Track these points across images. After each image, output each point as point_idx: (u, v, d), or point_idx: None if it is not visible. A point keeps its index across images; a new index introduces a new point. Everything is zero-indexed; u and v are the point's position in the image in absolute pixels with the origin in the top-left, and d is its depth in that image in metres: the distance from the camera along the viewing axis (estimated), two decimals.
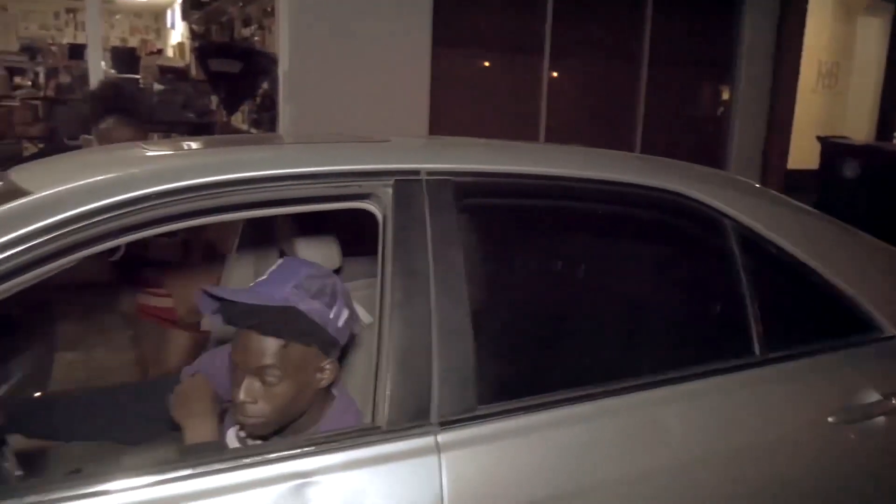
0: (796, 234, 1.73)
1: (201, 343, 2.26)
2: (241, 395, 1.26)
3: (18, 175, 1.41)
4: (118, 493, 1.09)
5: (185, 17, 11.21)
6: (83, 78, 9.50)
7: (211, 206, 1.22)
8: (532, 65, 6.94)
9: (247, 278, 2.15)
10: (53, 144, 6.81)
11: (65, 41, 14.10)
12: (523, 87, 6.90)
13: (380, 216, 1.36)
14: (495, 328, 1.42)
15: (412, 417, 1.26)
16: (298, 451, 1.20)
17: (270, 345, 1.25)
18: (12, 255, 1.10)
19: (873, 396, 1.62)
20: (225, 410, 1.45)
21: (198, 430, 1.34)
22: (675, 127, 7.52)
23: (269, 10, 7.51)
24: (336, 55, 5.99)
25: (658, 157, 1.99)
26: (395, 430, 1.25)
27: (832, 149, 7.99)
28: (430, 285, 1.31)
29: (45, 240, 1.12)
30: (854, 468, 1.62)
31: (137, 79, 6.87)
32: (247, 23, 8.06)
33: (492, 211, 1.51)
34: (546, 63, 6.94)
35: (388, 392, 1.26)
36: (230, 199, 1.24)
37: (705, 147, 7.70)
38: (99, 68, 5.33)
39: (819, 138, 8.16)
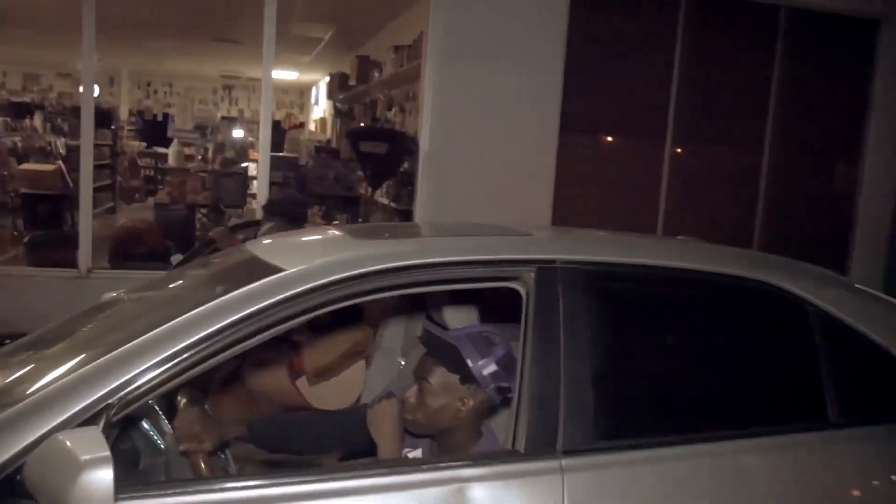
0: (879, 322, 2.07)
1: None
2: (408, 394, 1.78)
3: (261, 252, 1.98)
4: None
5: (329, 95, 12.30)
6: (244, 151, 10.61)
7: (407, 282, 1.73)
8: (654, 151, 7.30)
9: (397, 338, 2.69)
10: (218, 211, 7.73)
11: (219, 116, 15.62)
12: (644, 173, 7.26)
13: (524, 294, 1.82)
14: (612, 384, 1.83)
15: (543, 446, 1.68)
16: (460, 462, 1.65)
17: (432, 365, 1.77)
18: (274, 312, 1.62)
19: None
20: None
21: (388, 446, 1.83)
22: (797, 214, 7.63)
23: (411, 95, 8.29)
24: (471, 138, 6.56)
25: (755, 251, 2.36)
26: (531, 454, 1.67)
27: None
28: (560, 347, 1.75)
29: (295, 303, 1.64)
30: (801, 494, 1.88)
31: (296, 157, 7.73)
32: (390, 105, 8.88)
33: (611, 293, 1.93)
34: (668, 149, 7.29)
35: (525, 426, 1.69)
36: (419, 277, 1.74)
37: (828, 235, 7.74)
38: (268, 143, 6.08)
39: None
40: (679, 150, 7.31)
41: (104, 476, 1.24)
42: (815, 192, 8.04)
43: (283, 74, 12.55)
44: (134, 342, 1.52)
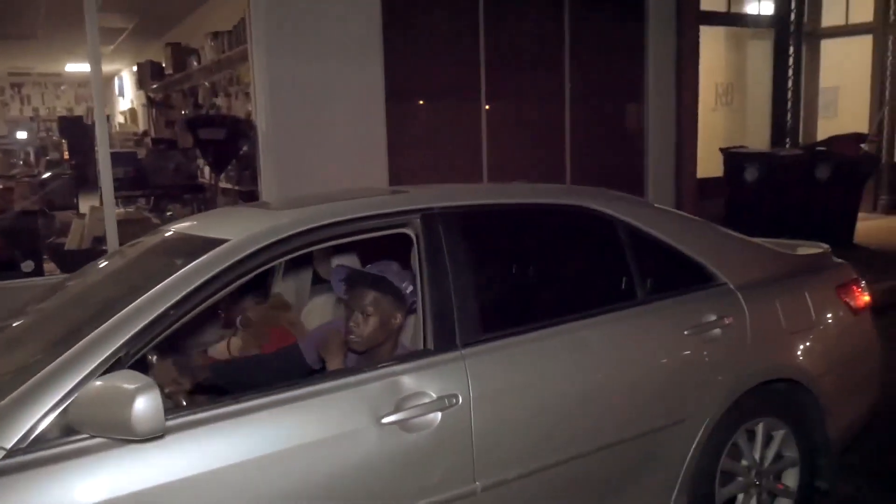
0: (665, 227, 2.83)
1: None
2: (352, 324, 2.32)
3: (195, 229, 2.41)
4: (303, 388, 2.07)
5: (140, 85, 12.08)
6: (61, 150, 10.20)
7: (330, 236, 2.25)
8: (471, 109, 8.05)
9: (290, 293, 3.20)
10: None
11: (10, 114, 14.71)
12: (466, 130, 7.99)
13: (413, 235, 2.39)
14: (488, 292, 2.45)
15: (446, 343, 2.27)
16: (391, 363, 2.21)
17: (371, 294, 2.33)
18: (235, 272, 2.08)
19: (711, 317, 2.71)
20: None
21: (337, 363, 2.36)
22: (599, 153, 8.70)
23: (235, 79, 8.48)
24: (304, 115, 6.93)
25: (572, 185, 3.07)
26: (439, 350, 2.26)
27: (733, 158, 9.29)
28: (448, 271, 2.34)
29: (243, 265, 2.11)
30: (700, 360, 2.69)
31: (134, 152, 7.76)
32: (215, 91, 9.00)
33: (477, 226, 2.54)
34: (483, 107, 8.06)
35: (431, 331, 2.27)
36: (337, 232, 2.27)
37: (626, 167, 8.90)
38: (106, 140, 5.99)
39: (721, 150, 9.45)
40: (493, 107, 8.11)
41: (154, 397, 1.68)
42: (611, 133, 9.16)
43: (82, 67, 12.09)
44: (131, 306, 1.94)
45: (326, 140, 7.07)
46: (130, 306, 1.96)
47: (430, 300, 2.30)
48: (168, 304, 1.96)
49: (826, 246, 3.46)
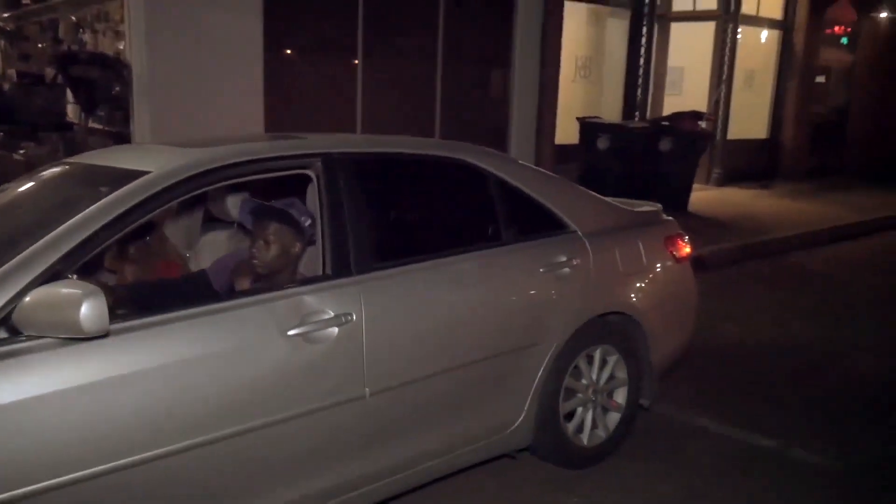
0: (528, 181, 3.30)
1: None
2: (255, 250, 2.65)
3: (109, 160, 2.63)
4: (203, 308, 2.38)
5: None
6: None
7: (238, 174, 2.55)
8: (348, 66, 8.30)
9: (181, 233, 3.46)
10: None
11: None
12: (341, 85, 8.24)
13: (314, 176, 2.72)
14: (379, 228, 2.83)
15: (342, 269, 2.64)
16: (295, 284, 2.55)
17: (274, 225, 2.66)
18: (160, 200, 2.34)
19: (562, 258, 3.22)
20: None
21: (245, 281, 2.67)
22: (466, 113, 9.21)
23: (101, 15, 8.24)
24: (181, 59, 6.96)
25: (450, 140, 3.49)
26: (335, 276, 2.62)
27: (588, 127, 10.03)
28: (344, 207, 2.69)
29: (168, 194, 2.38)
30: (552, 293, 3.20)
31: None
32: (79, 26, 8.68)
33: (370, 171, 2.91)
34: (359, 63, 8.33)
35: (330, 259, 2.63)
36: (246, 170, 2.56)
37: (491, 128, 9.47)
38: None
39: (578, 119, 10.19)
40: (369, 63, 8.38)
41: (101, 301, 1.94)
42: (479, 96, 9.68)
43: None
44: (67, 224, 2.16)
45: (203, 86, 7.12)
46: (66, 224, 2.18)
47: (328, 232, 2.65)
48: (99, 226, 2.21)
49: (659, 205, 4.08)
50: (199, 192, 2.52)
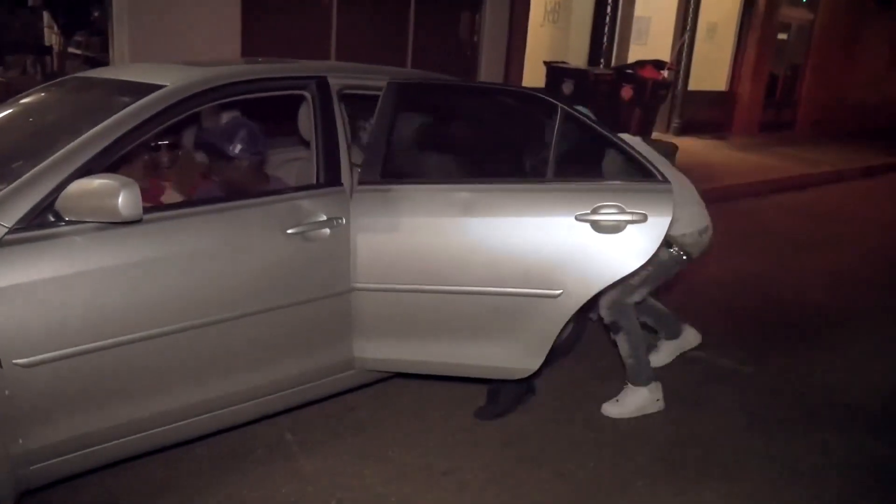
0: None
1: None
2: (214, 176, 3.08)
3: (125, 75, 2.93)
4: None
5: None
6: None
7: (247, 90, 2.87)
8: (324, 6, 8.44)
9: None
10: None
11: None
12: (316, 25, 8.39)
13: (309, 97, 3.05)
14: (379, 144, 3.14)
15: (333, 181, 2.99)
16: (293, 190, 2.92)
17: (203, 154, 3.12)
18: (178, 110, 2.66)
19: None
20: None
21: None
22: (437, 55, 9.45)
23: None
24: None
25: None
26: (326, 185, 2.97)
27: (554, 71, 10.35)
28: (337, 125, 3.03)
29: (183, 105, 2.69)
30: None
31: None
32: None
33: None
34: (335, 3, 8.49)
35: (322, 171, 2.98)
36: (252, 88, 2.88)
37: (461, 70, 9.72)
38: None
39: (545, 63, 10.50)
40: (344, 1, 8.54)
41: (135, 190, 2.27)
42: (449, 38, 9.90)
43: None
44: (98, 126, 2.48)
45: (181, 13, 7.23)
46: (97, 128, 2.49)
47: (321, 147, 3.00)
48: (125, 131, 2.52)
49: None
50: (210, 105, 2.84)
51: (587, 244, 2.94)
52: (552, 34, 11.70)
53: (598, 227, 2.93)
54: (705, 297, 5.36)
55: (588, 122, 3.11)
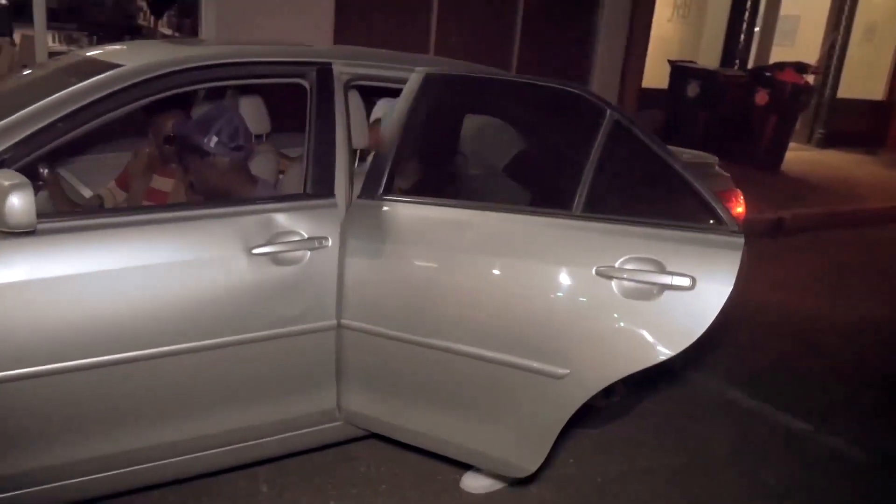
0: None
1: None
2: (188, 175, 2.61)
3: (104, 55, 2.49)
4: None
5: None
6: None
7: (223, 76, 2.36)
8: None
9: None
10: None
11: None
12: (416, 13, 7.90)
13: (308, 86, 2.51)
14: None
15: (325, 191, 2.44)
16: (268, 201, 2.38)
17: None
18: (126, 96, 2.19)
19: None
20: None
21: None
22: (547, 47, 8.74)
23: None
24: None
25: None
26: (315, 196, 2.43)
27: (679, 71, 9.43)
28: (337, 122, 2.48)
29: (136, 90, 2.22)
30: None
31: None
32: None
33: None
34: None
35: (311, 178, 2.44)
36: (233, 72, 2.38)
37: (572, 66, 8.98)
38: None
39: (670, 61, 9.57)
40: None
41: (28, 194, 1.82)
42: (563, 31, 9.14)
43: None
44: (19, 113, 2.05)
45: None
46: (19, 113, 2.06)
47: (313, 149, 2.45)
48: (56, 117, 2.07)
49: (714, 158, 3.69)
50: (178, 90, 2.34)
51: (607, 311, 2.17)
52: (681, 31, 10.71)
53: (624, 289, 2.19)
54: (825, 356, 4.42)
55: (641, 135, 2.36)
